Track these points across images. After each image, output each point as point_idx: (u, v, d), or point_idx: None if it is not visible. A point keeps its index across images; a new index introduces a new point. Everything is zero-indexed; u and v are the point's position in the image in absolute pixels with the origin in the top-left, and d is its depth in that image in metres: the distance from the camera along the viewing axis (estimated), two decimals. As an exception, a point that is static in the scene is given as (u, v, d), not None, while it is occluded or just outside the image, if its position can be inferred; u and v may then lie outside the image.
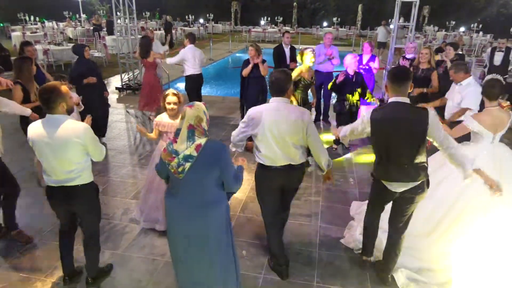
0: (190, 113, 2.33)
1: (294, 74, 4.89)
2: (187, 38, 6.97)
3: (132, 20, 9.89)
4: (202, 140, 2.32)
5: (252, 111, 2.92)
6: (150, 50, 7.08)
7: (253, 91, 5.98)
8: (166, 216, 2.53)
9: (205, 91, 11.27)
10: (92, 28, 18.77)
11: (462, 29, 24.32)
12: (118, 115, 7.91)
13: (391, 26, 18.28)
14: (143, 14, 26.16)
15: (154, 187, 3.74)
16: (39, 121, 2.64)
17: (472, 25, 22.72)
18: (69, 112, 2.68)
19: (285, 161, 2.93)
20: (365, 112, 3.22)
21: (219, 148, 2.40)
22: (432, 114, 2.63)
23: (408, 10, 8.36)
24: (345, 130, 3.11)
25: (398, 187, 2.81)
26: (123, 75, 10.05)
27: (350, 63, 5.39)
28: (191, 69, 6.90)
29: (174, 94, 3.49)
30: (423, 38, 18.80)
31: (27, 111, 3.98)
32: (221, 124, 7.16)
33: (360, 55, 6.60)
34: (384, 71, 8.86)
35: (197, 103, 2.42)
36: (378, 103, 7.50)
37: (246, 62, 6.04)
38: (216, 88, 11.66)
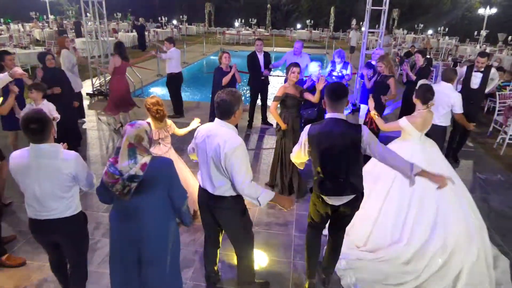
0: (130, 132, 2.27)
1: (279, 92, 4.49)
2: (169, 41, 7.68)
3: (103, 22, 9.66)
4: (146, 159, 2.27)
5: (201, 127, 2.78)
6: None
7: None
8: (111, 235, 2.47)
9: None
10: (58, 30, 18.20)
11: (430, 32, 25.21)
12: (90, 122, 7.69)
13: (363, 29, 18.79)
14: (114, 15, 25.62)
15: None
16: (24, 150, 2.48)
17: (439, 28, 23.57)
18: (54, 139, 2.57)
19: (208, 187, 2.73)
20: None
21: (166, 164, 2.38)
22: (366, 130, 2.71)
23: (379, 14, 8.56)
24: (292, 156, 3.10)
25: (336, 201, 2.87)
26: (94, 80, 9.78)
27: (314, 71, 5.50)
28: (175, 68, 7.69)
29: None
30: (393, 41, 19.31)
31: None
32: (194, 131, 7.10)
33: (333, 61, 6.72)
34: (356, 76, 9.04)
35: (139, 122, 2.36)
36: (350, 109, 7.66)
37: (219, 70, 5.97)
38: (190, 93, 11.54)
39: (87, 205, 4.51)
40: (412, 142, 3.71)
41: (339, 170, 2.77)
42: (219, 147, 2.51)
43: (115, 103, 6.99)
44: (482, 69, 5.73)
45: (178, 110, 8.02)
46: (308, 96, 4.56)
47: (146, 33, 20.26)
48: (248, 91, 7.43)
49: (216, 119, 2.67)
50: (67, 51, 7.59)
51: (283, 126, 4.51)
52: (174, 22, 27.46)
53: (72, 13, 27.22)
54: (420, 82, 5.50)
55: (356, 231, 3.73)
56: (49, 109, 4.55)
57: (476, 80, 5.72)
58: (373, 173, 3.78)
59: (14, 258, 3.49)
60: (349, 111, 8.16)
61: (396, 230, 3.55)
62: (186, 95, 11.33)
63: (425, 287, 3.26)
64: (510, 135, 6.59)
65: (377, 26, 11.23)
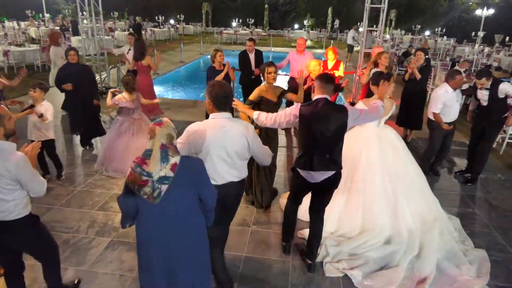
0: (160, 131, 2.13)
1: (253, 95, 4.09)
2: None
3: (99, 21, 9.55)
4: (177, 159, 2.14)
5: (194, 127, 2.71)
6: (146, 53, 6.86)
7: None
8: (141, 244, 2.29)
9: (176, 94, 11.12)
10: (58, 28, 18.05)
11: (427, 33, 25.26)
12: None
13: (360, 29, 18.73)
14: (111, 14, 25.47)
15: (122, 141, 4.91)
16: None
17: (436, 29, 23.61)
18: (8, 136, 2.36)
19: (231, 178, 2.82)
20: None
21: (197, 164, 2.28)
22: (350, 111, 2.99)
23: (376, 14, 8.52)
24: (266, 116, 3.21)
25: (319, 177, 3.07)
26: (89, 78, 9.65)
27: (314, 70, 5.44)
28: None
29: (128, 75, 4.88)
30: (390, 42, 19.32)
31: None
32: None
33: (325, 61, 6.65)
34: (354, 75, 8.98)
35: (164, 119, 2.23)
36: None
37: (212, 69, 5.86)
38: (187, 92, 11.45)
39: (81, 203, 4.42)
40: (370, 128, 3.88)
41: (326, 148, 3.02)
42: (245, 136, 2.72)
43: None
44: (488, 86, 4.94)
45: None
46: (291, 96, 4.21)
47: (143, 32, 20.11)
48: (240, 89, 7.36)
49: (223, 114, 2.72)
50: (55, 48, 7.50)
51: (248, 112, 3.51)
52: (172, 21, 27.32)
53: (68, 12, 27.06)
54: (374, 70, 5.63)
55: (325, 217, 3.72)
56: (46, 109, 4.44)
57: (483, 97, 5.05)
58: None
59: None
60: None
61: (367, 209, 3.81)
62: (182, 94, 11.25)
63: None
64: (510, 134, 6.55)
65: (374, 26, 11.19)
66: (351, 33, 17.35)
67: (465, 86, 8.37)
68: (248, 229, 4.02)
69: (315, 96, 3.07)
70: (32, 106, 4.34)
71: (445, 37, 22.11)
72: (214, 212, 2.51)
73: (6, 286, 2.62)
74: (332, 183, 3.15)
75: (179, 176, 2.13)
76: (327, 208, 3.51)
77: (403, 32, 25.96)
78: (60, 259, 3.33)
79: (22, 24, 21.41)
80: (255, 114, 3.27)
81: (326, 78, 3.08)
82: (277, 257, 3.59)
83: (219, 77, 5.68)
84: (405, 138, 6.84)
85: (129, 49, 7.74)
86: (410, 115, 6.44)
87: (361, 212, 3.83)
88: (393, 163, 3.87)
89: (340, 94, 7.43)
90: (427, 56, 6.43)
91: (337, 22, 28.27)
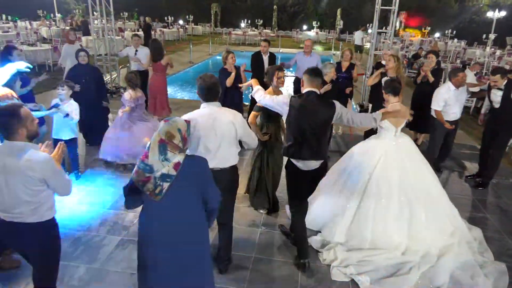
0: (162, 127, 2.20)
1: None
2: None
3: (110, 21, 9.64)
4: (180, 157, 2.17)
5: (185, 116, 2.88)
6: (163, 53, 6.93)
7: (234, 99, 5.80)
8: (143, 238, 2.34)
9: (185, 94, 11.17)
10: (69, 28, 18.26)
11: (437, 35, 25.05)
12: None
13: (369, 31, 18.69)
14: (121, 14, 25.67)
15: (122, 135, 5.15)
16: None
17: (446, 31, 23.41)
18: (31, 138, 2.36)
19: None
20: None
21: (201, 164, 2.30)
22: (339, 104, 3.19)
23: (385, 16, 8.49)
24: (262, 94, 3.42)
25: (310, 166, 3.26)
26: (100, 78, 9.74)
27: (329, 72, 5.42)
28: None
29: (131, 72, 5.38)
30: (399, 44, 19.21)
31: None
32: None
33: (339, 62, 6.64)
34: (364, 77, 8.94)
35: (175, 119, 2.27)
36: (359, 109, 7.57)
37: (224, 71, 5.75)
38: (196, 92, 11.45)
39: (93, 201, 4.47)
40: (387, 140, 3.79)
41: (313, 140, 3.18)
42: (232, 123, 2.93)
43: (152, 102, 6.96)
44: (502, 86, 4.79)
45: None
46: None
47: (153, 32, 20.26)
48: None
49: (211, 103, 2.97)
50: (68, 46, 7.57)
51: (263, 138, 4.00)
52: (181, 22, 27.46)
53: (79, 12, 27.33)
54: (385, 78, 5.52)
55: (334, 228, 3.79)
56: (72, 109, 4.51)
57: (496, 98, 4.89)
58: (347, 168, 3.94)
59: (9, 262, 3.37)
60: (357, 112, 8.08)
61: (379, 224, 3.67)
62: (191, 94, 11.30)
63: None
64: (522, 138, 6.47)
65: (383, 28, 11.15)
66: (359, 34, 17.36)
67: (476, 89, 8.33)
68: (257, 230, 4.03)
69: (305, 89, 3.24)
70: (57, 106, 4.41)
71: (455, 39, 21.90)
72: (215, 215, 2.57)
73: None
74: (323, 172, 3.44)
75: (182, 175, 2.16)
76: (337, 219, 3.71)
77: (413, 34, 25.77)
78: (72, 257, 3.42)
79: (34, 24, 21.67)
80: (255, 88, 3.53)
81: (314, 72, 3.24)
82: (286, 259, 3.60)
83: (230, 80, 5.62)
84: (415, 141, 6.79)
85: (136, 50, 7.78)
86: (421, 118, 6.38)
87: (371, 226, 3.67)
88: (411, 175, 3.72)
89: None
90: (438, 59, 6.39)
91: (341, 23, 28.16)
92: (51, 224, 2.49)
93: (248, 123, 3.76)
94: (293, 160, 3.29)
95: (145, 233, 2.32)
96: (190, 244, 2.31)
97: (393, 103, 3.73)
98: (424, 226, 3.66)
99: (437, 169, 5.59)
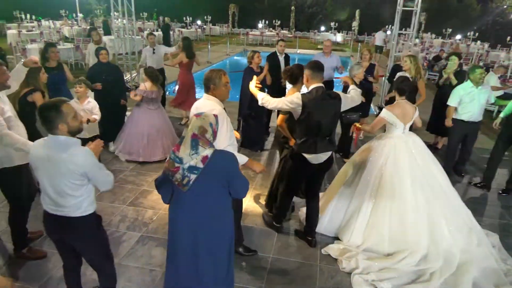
0: (194, 122, 2.29)
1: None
2: None
3: (131, 21, 9.79)
4: (208, 152, 2.24)
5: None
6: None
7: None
8: (170, 225, 2.47)
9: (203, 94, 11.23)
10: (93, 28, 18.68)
11: (458, 36, 24.51)
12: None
13: (388, 32, 18.44)
14: (141, 14, 26.03)
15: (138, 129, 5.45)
16: (42, 140, 2.41)
17: (468, 33, 22.89)
18: (73, 133, 2.38)
19: None
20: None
21: (228, 159, 2.34)
22: (341, 93, 3.44)
23: (405, 16, 8.36)
24: (269, 100, 3.43)
25: (319, 159, 3.42)
26: (120, 77, 9.91)
27: (357, 73, 5.37)
28: None
29: (150, 67, 5.69)
30: (420, 45, 18.88)
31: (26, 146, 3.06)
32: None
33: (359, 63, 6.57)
34: (383, 79, 8.82)
35: (206, 113, 2.36)
36: (378, 111, 7.46)
37: (250, 70, 5.70)
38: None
39: (113, 197, 4.54)
40: (396, 135, 3.81)
41: (326, 132, 3.36)
42: None
43: (181, 97, 7.13)
44: None
45: None
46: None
47: (171, 32, 20.49)
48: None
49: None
50: (92, 45, 7.72)
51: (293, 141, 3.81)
52: (199, 22, 27.68)
53: (100, 12, 27.83)
54: (399, 74, 5.54)
55: (350, 230, 3.77)
56: (91, 107, 4.59)
57: None
58: (357, 168, 3.96)
59: (35, 251, 3.48)
60: (375, 114, 7.98)
61: (395, 219, 3.63)
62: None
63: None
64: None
65: (404, 29, 11.01)
66: (380, 34, 17.17)
67: (499, 93, 8.11)
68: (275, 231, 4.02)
69: (311, 85, 3.33)
70: None
71: (478, 42, 21.39)
72: None
73: (65, 280, 2.74)
74: (331, 163, 3.60)
75: (209, 169, 2.23)
76: (352, 221, 3.72)
77: (433, 35, 25.30)
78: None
79: (57, 23, 22.20)
80: (260, 95, 3.52)
81: (318, 67, 3.34)
82: (304, 260, 3.58)
83: (259, 78, 5.54)
84: (435, 144, 6.68)
85: (153, 49, 7.85)
86: (442, 122, 6.25)
87: (388, 223, 3.62)
88: (422, 170, 3.70)
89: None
90: (460, 61, 6.25)
91: (355, 24, 27.84)
92: (94, 217, 2.54)
93: (277, 125, 3.93)
94: (305, 154, 3.39)
95: (172, 221, 2.43)
96: (211, 235, 2.37)
97: (398, 100, 3.84)
98: (444, 223, 3.59)
99: (459, 174, 5.52)
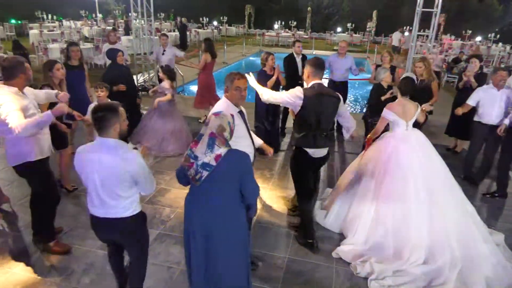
0: (213, 121, 2.35)
1: None
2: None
3: (150, 21, 9.93)
4: (222, 150, 2.30)
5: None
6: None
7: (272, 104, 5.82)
8: (185, 215, 2.53)
9: (219, 94, 11.31)
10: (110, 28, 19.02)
11: (478, 38, 24.00)
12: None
13: (406, 34, 18.18)
14: (158, 15, 26.36)
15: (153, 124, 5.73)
16: (89, 145, 2.46)
17: (489, 35, 22.38)
18: (122, 135, 2.46)
19: None
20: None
21: (241, 159, 2.38)
22: (340, 96, 3.55)
23: (423, 17, 8.23)
24: (272, 95, 3.56)
25: (320, 153, 3.56)
26: (138, 76, 10.08)
27: (384, 77, 5.33)
28: None
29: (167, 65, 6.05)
30: (438, 47, 18.56)
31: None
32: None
33: (379, 66, 6.50)
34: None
35: (224, 113, 2.43)
36: None
37: (263, 73, 5.70)
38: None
39: (131, 196, 4.61)
40: (399, 133, 3.86)
41: (326, 127, 3.52)
42: None
43: (202, 97, 7.25)
44: None
45: None
46: None
47: (188, 33, 20.69)
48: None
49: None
50: (108, 46, 7.85)
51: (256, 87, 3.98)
52: (215, 23, 27.87)
53: (119, 13, 28.29)
54: (405, 74, 5.49)
55: (354, 227, 3.82)
56: None
57: None
58: (362, 166, 4.01)
59: (62, 245, 3.59)
60: None
61: (398, 213, 3.63)
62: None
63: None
64: None
65: (423, 30, 10.85)
66: (397, 35, 16.99)
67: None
68: (292, 231, 4.03)
69: (311, 82, 3.48)
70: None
71: (500, 44, 20.88)
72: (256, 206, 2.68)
73: (109, 262, 2.86)
74: (328, 157, 3.74)
75: (222, 167, 2.29)
76: (357, 217, 3.81)
77: (452, 37, 24.84)
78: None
79: (78, 23, 22.67)
80: (260, 90, 3.60)
81: (319, 64, 3.49)
82: (320, 262, 3.58)
83: (271, 82, 5.56)
84: (454, 148, 6.58)
85: (164, 50, 7.98)
86: (462, 125, 6.15)
87: (391, 219, 3.63)
88: (425, 166, 3.73)
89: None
90: (481, 63, 6.13)
91: (370, 25, 27.50)
92: (141, 215, 2.63)
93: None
94: (306, 149, 3.53)
95: (186, 212, 2.52)
96: (222, 230, 2.41)
97: (399, 98, 3.95)
98: (446, 216, 3.58)
99: (472, 182, 5.33)
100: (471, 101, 5.05)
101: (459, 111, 5.15)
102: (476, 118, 5.12)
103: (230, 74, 3.08)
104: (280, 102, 3.61)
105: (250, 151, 3.01)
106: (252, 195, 2.50)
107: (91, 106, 4.59)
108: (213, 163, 2.28)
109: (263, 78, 5.55)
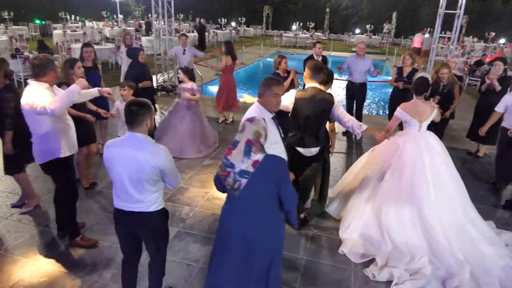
0: (250, 128, 2.29)
1: None
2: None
3: (170, 22, 10.08)
4: (259, 156, 2.26)
5: None
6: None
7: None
8: (222, 224, 2.50)
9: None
10: (132, 29, 19.48)
11: (502, 40, 23.40)
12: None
13: (426, 35, 17.88)
14: (177, 16, 26.69)
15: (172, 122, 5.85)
16: (118, 140, 2.53)
17: (513, 37, 21.80)
18: (150, 131, 2.53)
19: None
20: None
21: (278, 164, 2.34)
22: (336, 98, 3.67)
23: (445, 19, 8.08)
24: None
25: (311, 152, 3.73)
26: (158, 76, 10.24)
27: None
28: None
29: (181, 69, 5.91)
30: (460, 49, 18.19)
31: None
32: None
33: (400, 68, 6.44)
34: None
35: (258, 118, 2.39)
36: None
37: (277, 76, 5.60)
38: (247, 93, 11.62)
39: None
40: (410, 133, 3.89)
41: (314, 128, 3.67)
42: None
43: (227, 99, 7.33)
44: None
45: None
46: None
47: (206, 33, 20.88)
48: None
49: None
50: (124, 48, 7.98)
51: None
52: (233, 23, 28.04)
53: (138, 13, 28.78)
54: (418, 74, 5.37)
55: (348, 221, 3.96)
56: None
57: None
58: (367, 162, 4.16)
59: (88, 239, 3.69)
60: None
61: (391, 210, 3.73)
62: (243, 94, 11.49)
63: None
64: None
65: (443, 32, 10.67)
66: (418, 36, 16.78)
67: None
68: (309, 233, 4.04)
69: (308, 84, 3.70)
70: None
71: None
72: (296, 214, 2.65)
73: (122, 269, 2.84)
74: (322, 154, 3.85)
75: (259, 173, 2.24)
76: (352, 214, 3.95)
77: (475, 39, 24.30)
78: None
79: (100, 24, 23.17)
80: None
81: (317, 68, 3.66)
82: (338, 264, 3.57)
83: (287, 83, 5.55)
84: (476, 152, 6.45)
85: (184, 50, 8.08)
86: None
87: (384, 211, 3.74)
88: (428, 167, 3.71)
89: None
90: (505, 66, 6.00)
91: (387, 26, 27.12)
92: (165, 211, 2.69)
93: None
94: (297, 147, 3.71)
95: (224, 221, 2.48)
96: (262, 239, 2.38)
97: (414, 99, 3.96)
98: (443, 220, 3.61)
99: (495, 188, 5.25)
100: (500, 108, 4.88)
101: (483, 131, 5.00)
102: (503, 124, 4.97)
103: (268, 80, 3.04)
104: (285, 106, 3.68)
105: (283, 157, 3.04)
106: (291, 201, 2.43)
107: (117, 103, 4.72)
108: (251, 169, 2.23)
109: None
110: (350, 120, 3.70)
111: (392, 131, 4.04)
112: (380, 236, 3.71)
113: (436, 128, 4.35)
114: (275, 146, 3.00)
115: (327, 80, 4.01)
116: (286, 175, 2.39)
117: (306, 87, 3.64)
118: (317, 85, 3.66)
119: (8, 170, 4.12)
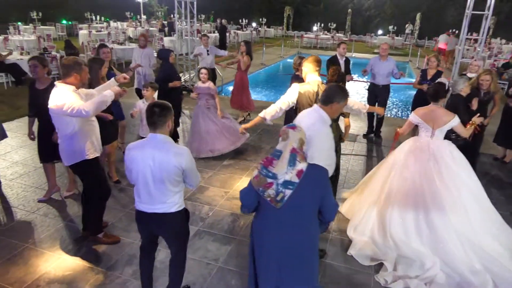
0: (294, 135, 2.17)
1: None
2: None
3: (192, 23, 10.20)
4: (303, 165, 2.13)
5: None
6: None
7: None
8: (256, 238, 2.35)
9: (256, 95, 11.41)
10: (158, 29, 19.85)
11: (531, 42, 22.56)
12: (174, 115, 8.16)
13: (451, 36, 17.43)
14: (198, 17, 26.97)
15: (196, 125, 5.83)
16: (140, 142, 2.55)
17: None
18: (171, 132, 2.55)
19: None
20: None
21: (322, 173, 2.23)
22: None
23: (471, 20, 7.86)
24: (277, 105, 3.82)
25: None
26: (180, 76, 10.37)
27: (463, 88, 5.17)
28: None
29: (205, 69, 5.75)
30: (487, 52, 17.66)
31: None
32: (273, 133, 7.07)
33: (424, 70, 6.30)
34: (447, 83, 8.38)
35: (299, 125, 2.29)
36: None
37: (296, 78, 5.52)
38: (267, 93, 11.73)
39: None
40: (422, 139, 3.84)
41: None
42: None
43: (241, 96, 7.44)
44: None
45: None
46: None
47: (227, 34, 20.99)
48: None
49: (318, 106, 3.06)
50: (138, 49, 8.02)
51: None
52: (254, 24, 28.10)
53: (161, 14, 29.20)
54: (438, 80, 5.25)
55: (360, 226, 3.95)
56: None
57: None
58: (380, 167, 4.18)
59: (111, 236, 3.78)
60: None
61: (395, 217, 3.72)
62: (262, 95, 11.55)
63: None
64: None
65: (470, 34, 10.36)
66: (443, 37, 16.41)
67: None
68: (328, 235, 4.00)
69: (308, 77, 3.75)
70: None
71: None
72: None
73: (141, 265, 2.89)
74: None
75: (304, 183, 2.11)
76: (361, 215, 3.96)
77: (502, 41, 23.53)
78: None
79: (124, 24, 23.67)
80: (262, 114, 3.93)
81: (319, 61, 3.78)
82: (359, 268, 3.53)
83: None
84: (502, 158, 6.25)
85: (207, 50, 8.15)
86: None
87: (388, 218, 3.73)
88: (432, 176, 3.65)
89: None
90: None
91: (409, 27, 26.51)
92: (186, 212, 2.73)
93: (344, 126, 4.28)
94: None
95: (258, 234, 2.32)
96: (300, 252, 2.24)
97: (430, 105, 3.87)
98: (450, 229, 3.53)
99: None
100: None
101: None
102: None
103: (345, 90, 3.00)
104: (284, 104, 3.80)
105: (330, 163, 3.02)
106: (332, 212, 2.33)
107: (139, 103, 4.81)
108: (296, 180, 2.09)
109: (296, 82, 5.48)
110: (355, 104, 3.79)
111: (405, 133, 4.05)
112: (385, 241, 3.68)
113: (465, 149, 4.02)
114: (329, 152, 3.04)
115: (338, 81, 4.11)
116: (329, 186, 2.28)
117: (307, 80, 3.74)
118: (319, 79, 3.73)
119: (42, 158, 4.33)
